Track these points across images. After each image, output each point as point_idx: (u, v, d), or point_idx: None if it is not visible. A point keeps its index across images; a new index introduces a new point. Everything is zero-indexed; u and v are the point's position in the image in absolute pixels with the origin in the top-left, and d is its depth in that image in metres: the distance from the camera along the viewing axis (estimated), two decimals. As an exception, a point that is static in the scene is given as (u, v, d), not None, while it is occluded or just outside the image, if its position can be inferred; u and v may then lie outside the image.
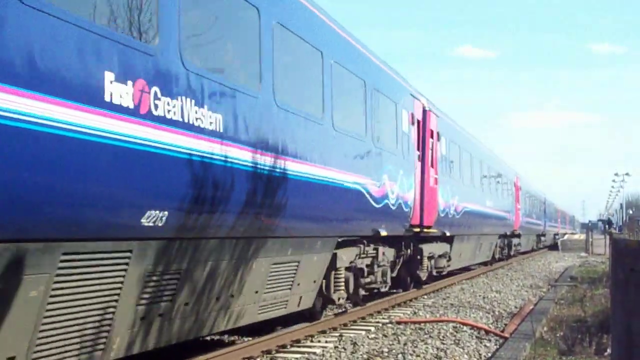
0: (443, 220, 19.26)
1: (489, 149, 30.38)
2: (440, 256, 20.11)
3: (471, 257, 25.82)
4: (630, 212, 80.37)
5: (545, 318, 14.47)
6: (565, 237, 77.25)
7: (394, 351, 10.77)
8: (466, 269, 26.73)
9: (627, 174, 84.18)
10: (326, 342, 11.58)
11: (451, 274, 23.41)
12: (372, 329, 13.03)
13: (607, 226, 70.88)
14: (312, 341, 11.62)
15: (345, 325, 13.29)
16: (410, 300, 17.67)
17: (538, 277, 27.33)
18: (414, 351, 10.82)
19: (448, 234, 20.14)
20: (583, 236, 68.52)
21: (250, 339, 11.10)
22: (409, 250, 16.99)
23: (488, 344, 11.85)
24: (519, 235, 38.20)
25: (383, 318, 14.52)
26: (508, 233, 34.08)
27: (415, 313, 15.48)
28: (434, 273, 19.95)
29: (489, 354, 10.83)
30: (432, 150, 18.05)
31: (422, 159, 16.92)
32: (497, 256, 32.31)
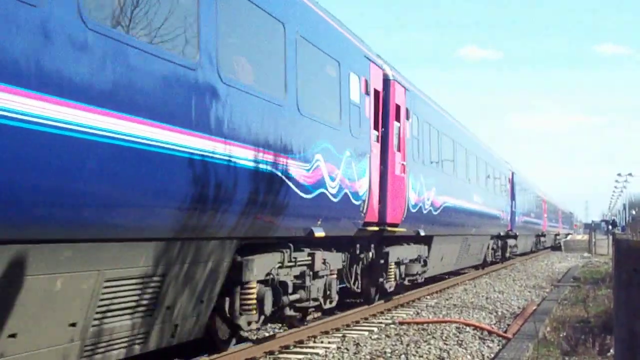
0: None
1: None
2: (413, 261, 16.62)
3: None
4: (634, 212, 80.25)
5: (548, 318, 14.46)
6: (568, 237, 77.17)
7: (396, 352, 10.77)
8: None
9: (630, 174, 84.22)
10: (329, 342, 11.59)
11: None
12: (375, 329, 13.03)
13: (610, 227, 70.85)
14: (314, 342, 11.63)
15: (348, 325, 13.29)
16: (413, 301, 17.68)
17: (541, 277, 27.32)
18: (416, 352, 10.82)
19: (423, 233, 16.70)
20: (586, 237, 68.54)
21: (253, 339, 11.10)
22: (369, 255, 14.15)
23: (491, 345, 11.85)
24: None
25: (386, 318, 14.52)
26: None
27: (418, 313, 15.49)
28: (406, 282, 16.49)
29: (492, 355, 10.83)
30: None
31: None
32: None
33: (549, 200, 61.73)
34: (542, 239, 53.51)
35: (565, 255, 50.32)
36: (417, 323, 13.75)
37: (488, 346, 11.73)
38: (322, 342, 11.68)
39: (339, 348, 11.07)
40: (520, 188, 37.84)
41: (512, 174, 34.95)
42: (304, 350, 10.91)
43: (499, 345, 11.83)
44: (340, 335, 12.31)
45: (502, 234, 30.64)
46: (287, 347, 10.94)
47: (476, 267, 27.86)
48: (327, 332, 12.38)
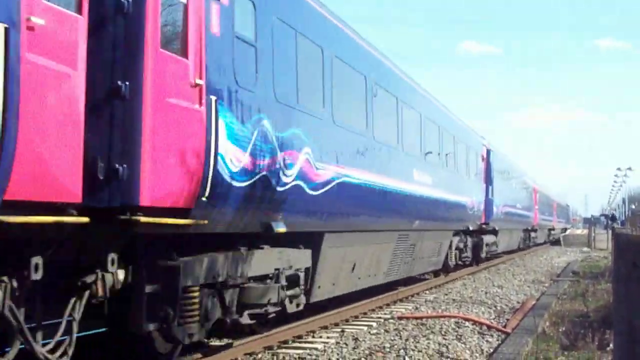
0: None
1: None
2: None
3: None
4: (633, 206, 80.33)
5: (547, 313, 14.46)
6: (567, 232, 77.24)
7: (395, 347, 10.76)
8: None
9: (629, 168, 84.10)
10: (328, 337, 11.57)
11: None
12: (374, 324, 13.02)
13: (610, 221, 70.98)
14: (313, 337, 11.61)
15: (346, 320, 13.28)
16: (412, 296, 17.67)
17: (540, 272, 27.34)
18: (415, 347, 10.80)
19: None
20: (585, 231, 68.68)
21: (251, 335, 11.09)
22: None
23: (490, 339, 11.84)
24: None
25: (385, 313, 14.51)
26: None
27: (417, 308, 15.48)
28: (245, 320, 9.28)
29: (491, 350, 10.82)
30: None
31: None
32: None
33: (542, 189, 52.10)
34: (533, 234, 44.94)
35: (565, 250, 50.39)
36: (416, 318, 13.74)
37: (487, 341, 11.71)
38: (320, 337, 11.66)
39: (337, 343, 11.05)
40: (501, 170, 30.09)
41: (488, 151, 27.25)
42: (303, 345, 10.88)
43: (498, 340, 11.82)
44: (339, 330, 12.29)
45: (472, 228, 23.43)
46: (285, 342, 10.92)
47: (436, 274, 21.76)
48: (325, 327, 12.36)
